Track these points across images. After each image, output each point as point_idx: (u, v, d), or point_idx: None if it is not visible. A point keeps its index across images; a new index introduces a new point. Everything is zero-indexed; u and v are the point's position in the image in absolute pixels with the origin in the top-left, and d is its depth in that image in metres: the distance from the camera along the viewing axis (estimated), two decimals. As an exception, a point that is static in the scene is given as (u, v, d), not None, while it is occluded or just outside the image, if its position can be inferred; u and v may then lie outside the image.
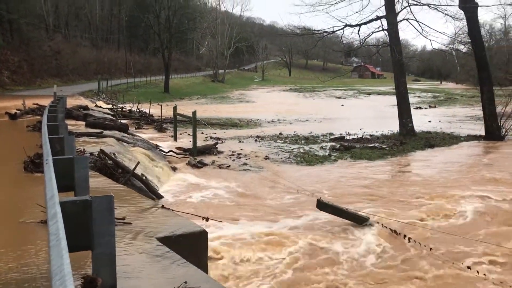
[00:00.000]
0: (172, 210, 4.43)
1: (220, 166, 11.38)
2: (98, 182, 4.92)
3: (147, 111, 23.12)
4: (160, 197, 7.53)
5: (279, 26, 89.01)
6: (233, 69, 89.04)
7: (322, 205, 6.91)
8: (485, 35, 64.48)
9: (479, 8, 17.43)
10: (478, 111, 20.89)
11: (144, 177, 7.51)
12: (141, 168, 7.90)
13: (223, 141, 15.43)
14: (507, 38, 77.12)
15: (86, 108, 15.87)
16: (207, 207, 7.56)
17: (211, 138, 16.09)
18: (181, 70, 65.49)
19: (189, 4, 65.36)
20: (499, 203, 8.16)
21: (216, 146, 13.63)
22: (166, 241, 3.30)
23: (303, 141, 15.98)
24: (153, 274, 2.64)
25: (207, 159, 11.97)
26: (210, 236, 4.94)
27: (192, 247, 3.49)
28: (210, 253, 4.62)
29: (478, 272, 5.24)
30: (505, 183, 9.65)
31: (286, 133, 18.02)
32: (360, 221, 6.74)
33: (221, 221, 6.58)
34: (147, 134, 16.44)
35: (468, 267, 5.36)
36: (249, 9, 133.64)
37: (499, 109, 17.19)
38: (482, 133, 17.35)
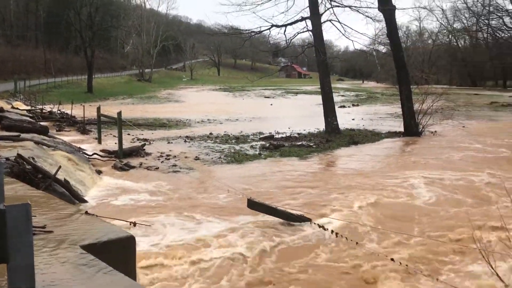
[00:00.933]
0: (97, 216, 4.23)
1: (148, 168, 11.10)
2: (15, 189, 4.59)
3: (69, 112, 22.04)
4: (84, 202, 7.21)
5: (206, 25, 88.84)
6: (161, 68, 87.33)
7: (253, 204, 6.94)
8: (402, 36, 68.45)
9: (396, 11, 18.44)
10: (397, 108, 22.07)
11: (66, 182, 7.14)
12: (63, 173, 7.50)
13: (151, 142, 15.07)
14: (422, 40, 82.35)
15: (1, 110, 14.81)
16: (135, 211, 7.33)
17: (138, 139, 15.66)
18: (106, 69, 63.13)
19: (113, 1, 63.15)
20: (424, 194, 8.70)
21: (144, 148, 13.27)
22: (91, 248, 3.14)
23: (233, 141, 16.01)
24: (76, 284, 2.50)
25: (134, 162, 11.63)
26: (138, 241, 4.80)
27: (119, 253, 3.35)
28: (138, 259, 4.48)
29: (400, 263, 5.51)
30: (427, 172, 10.29)
31: (216, 133, 17.97)
32: (291, 218, 6.85)
33: (149, 225, 6.42)
34: (69, 136, 15.68)
35: (392, 259, 5.61)
36: (175, 8, 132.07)
37: (416, 106, 18.28)
38: (402, 129, 18.39)
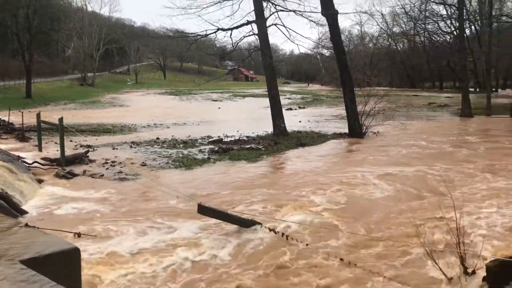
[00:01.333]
0: (38, 228, 4.03)
1: (92, 176, 10.72)
2: None
3: (6, 119, 20.92)
4: (24, 214, 6.85)
5: (151, 28, 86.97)
6: (104, 72, 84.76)
7: (203, 210, 6.85)
8: (345, 40, 70.31)
9: (339, 15, 18.91)
10: (341, 110, 22.65)
11: (4, 193, 6.75)
12: (0, 183, 7.10)
13: (95, 148, 14.57)
14: (363, 43, 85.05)
15: None
16: (79, 222, 7.03)
17: (81, 146, 15.10)
18: (46, 74, 60.31)
19: (52, 3, 60.59)
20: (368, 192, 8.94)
21: (87, 155, 12.81)
22: (32, 263, 2.97)
23: (181, 145, 15.80)
24: (16, 303, 2.36)
25: (78, 169, 11.20)
26: (83, 253, 4.61)
27: (63, 267, 3.20)
28: (84, 272, 4.30)
29: (349, 262, 5.62)
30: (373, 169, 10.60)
31: (163, 137, 17.66)
32: (242, 223, 6.82)
33: (95, 236, 6.19)
34: (7, 144, 14.88)
35: (341, 259, 5.72)
36: (118, 10, 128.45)
37: (360, 108, 18.86)
38: (346, 130, 18.90)
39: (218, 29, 18.18)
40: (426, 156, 13.64)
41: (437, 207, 6.95)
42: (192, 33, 19.64)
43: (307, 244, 6.18)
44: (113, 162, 12.28)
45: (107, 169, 11.53)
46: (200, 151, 14.55)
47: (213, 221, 6.94)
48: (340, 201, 8.48)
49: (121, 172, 11.18)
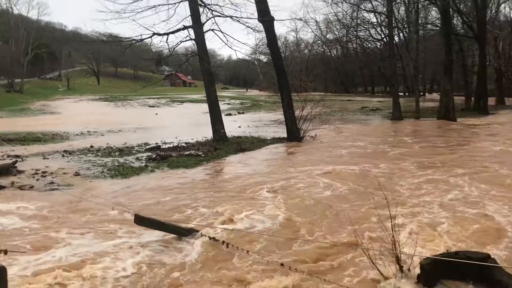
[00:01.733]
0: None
1: (21, 188, 10.09)
2: None
3: None
4: None
5: (83, 32, 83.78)
6: (33, 78, 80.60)
7: (140, 220, 6.62)
8: (281, 46, 71.56)
9: (275, 22, 19.18)
10: (280, 115, 22.95)
11: None
12: None
13: (24, 159, 13.75)
14: (299, 49, 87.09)
15: None
16: (6, 238, 6.57)
17: (8, 156, 14.19)
18: (-32, 80, 56.61)
19: (-26, 6, 56.96)
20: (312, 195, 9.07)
21: (15, 165, 12.05)
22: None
23: (117, 153, 15.28)
24: None
25: (5, 181, 10.50)
26: (10, 272, 4.29)
27: (-15, 290, 2.94)
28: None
29: (290, 267, 5.64)
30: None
31: (98, 145, 17.01)
32: (181, 232, 6.66)
33: (24, 252, 5.80)
34: None
35: (282, 264, 5.72)
36: (47, 13, 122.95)
37: (297, 113, 19.20)
38: (285, 135, 19.19)
39: (154, 34, 17.81)
40: (363, 155, 14.36)
41: (375, 206, 7.16)
42: (126, 38, 19.09)
43: (247, 251, 6.13)
44: (44, 172, 11.64)
45: (37, 180, 10.90)
46: (137, 159, 14.15)
47: (151, 231, 6.72)
48: (283, 203, 8.54)
49: (52, 183, 10.61)
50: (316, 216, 7.84)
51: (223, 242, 6.38)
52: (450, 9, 31.74)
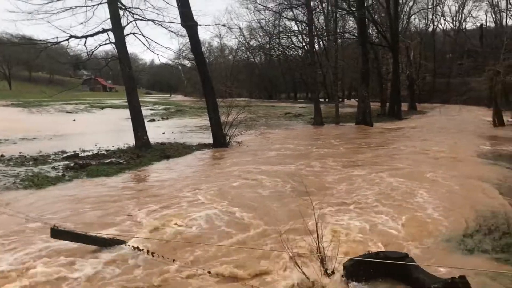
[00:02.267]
0: None
1: None
2: None
3: None
4: None
5: (-9, 33, 78.00)
6: None
7: (57, 233, 6.22)
8: (205, 51, 71.54)
9: (199, 27, 19.05)
10: (205, 121, 22.83)
11: None
12: None
13: None
14: (223, 55, 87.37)
15: None
16: None
17: None
18: None
19: None
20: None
21: None
22: None
23: (31, 162, 14.30)
24: None
25: None
26: None
27: None
28: None
29: (217, 274, 5.57)
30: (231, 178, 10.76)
31: (9, 154, 15.80)
32: (102, 243, 6.35)
33: None
34: None
35: (209, 272, 5.64)
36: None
37: (223, 118, 19.18)
38: (211, 141, 19.07)
39: (71, 37, 16.94)
40: (290, 157, 14.86)
41: (301, 209, 7.28)
42: (41, 40, 18.01)
43: (174, 260, 5.98)
44: None
45: None
46: (53, 168, 13.33)
47: (68, 244, 6.34)
48: (211, 209, 8.45)
49: (-45, 196, 9.69)
50: (244, 220, 7.84)
51: (148, 251, 6.18)
52: (366, 19, 33.44)
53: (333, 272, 5.19)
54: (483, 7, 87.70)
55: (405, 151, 16.48)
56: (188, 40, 19.88)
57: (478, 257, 6.19)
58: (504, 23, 54.35)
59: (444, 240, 6.90)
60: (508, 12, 52.25)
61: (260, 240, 6.92)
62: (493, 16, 60.89)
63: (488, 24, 60.21)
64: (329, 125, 29.72)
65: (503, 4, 69.10)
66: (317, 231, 5.35)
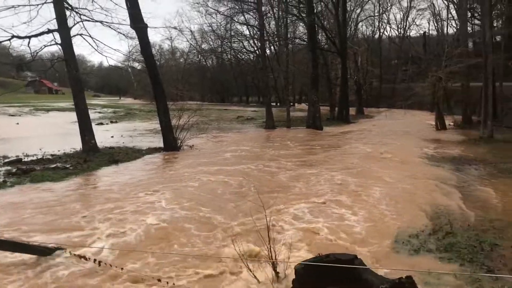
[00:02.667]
0: None
1: None
2: None
3: None
4: None
5: None
6: None
7: (-5, 243, 5.91)
8: (156, 54, 70.50)
9: (149, 29, 18.72)
10: (156, 124, 22.46)
11: None
12: None
13: None
14: (174, 58, 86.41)
15: None
16: None
17: None
18: None
19: None
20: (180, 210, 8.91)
21: None
22: None
23: (-32, 168, 13.54)
24: None
25: None
26: None
27: None
28: None
29: (167, 282, 5.48)
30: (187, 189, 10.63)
31: None
32: (42, 252, 6.08)
33: None
34: None
35: (159, 280, 5.53)
36: None
37: (174, 122, 18.93)
38: (162, 145, 18.76)
39: (13, 37, 16.17)
40: (243, 159, 14.86)
41: (254, 213, 7.28)
42: (-21, 39, 17.04)
43: (122, 268, 5.82)
44: None
45: None
46: (-6, 174, 12.68)
47: (7, 254, 6.04)
48: (161, 213, 8.31)
49: None
50: (197, 224, 7.76)
51: (95, 260, 5.98)
52: (316, 26, 34.10)
53: (285, 276, 5.23)
54: (426, 15, 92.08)
55: (353, 154, 16.91)
56: (138, 42, 19.51)
57: (424, 257, 6.44)
58: (445, 31, 57.20)
59: (391, 240, 7.12)
60: (448, 21, 55.03)
61: (212, 244, 6.87)
62: (435, 24, 64.04)
63: (430, 32, 63.15)
64: (281, 129, 30.01)
65: (444, 14, 72.73)
66: (268, 235, 5.37)
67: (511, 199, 9.86)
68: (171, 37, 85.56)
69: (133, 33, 19.17)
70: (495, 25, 35.23)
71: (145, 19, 18.36)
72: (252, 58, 56.28)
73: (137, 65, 40.16)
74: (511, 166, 13.81)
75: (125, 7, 18.16)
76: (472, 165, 14.30)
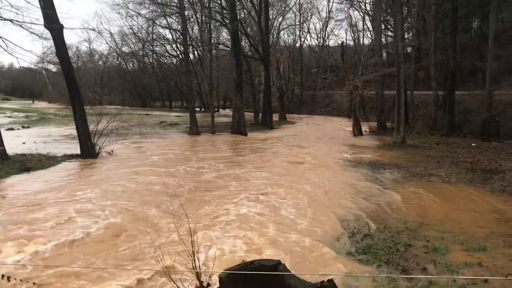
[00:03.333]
0: None
1: None
2: None
3: None
4: None
5: None
6: None
7: None
8: (73, 56, 67.21)
9: (65, 30, 17.79)
10: (72, 130, 21.38)
11: None
12: None
13: None
14: (93, 61, 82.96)
15: None
16: None
17: None
18: None
19: None
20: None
21: None
22: None
23: None
24: None
25: None
26: None
27: None
28: None
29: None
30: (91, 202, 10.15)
31: None
32: None
33: None
34: None
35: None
36: None
37: (92, 127, 18.08)
38: (79, 151, 17.83)
39: None
40: (164, 166, 14.34)
41: (176, 221, 7.12)
42: None
43: (34, 283, 5.41)
44: None
45: None
46: None
47: None
48: (78, 226, 7.85)
49: None
50: (118, 234, 7.43)
51: (3, 276, 5.50)
52: (239, 32, 34.40)
53: (208, 285, 5.13)
54: (344, 26, 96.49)
55: (275, 159, 17.20)
56: (53, 44, 18.43)
57: (344, 259, 6.65)
58: (361, 42, 60.24)
59: (313, 244, 7.28)
60: (364, 32, 58.02)
61: (134, 255, 6.60)
62: (352, 35, 67.22)
63: (348, 42, 66.11)
64: (205, 135, 29.84)
65: (360, 25, 76.67)
66: (192, 244, 5.25)
67: (423, 200, 10.53)
68: (89, 39, 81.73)
69: (47, 33, 18.09)
70: (406, 37, 37.71)
71: (60, 19, 17.41)
72: (175, 62, 55.54)
73: (52, 68, 38.02)
74: (421, 170, 14.77)
75: (39, 6, 17.10)
76: (386, 169, 15.10)
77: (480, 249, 6.88)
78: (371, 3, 41.37)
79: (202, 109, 61.27)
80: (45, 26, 17.41)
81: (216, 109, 55.97)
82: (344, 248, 7.09)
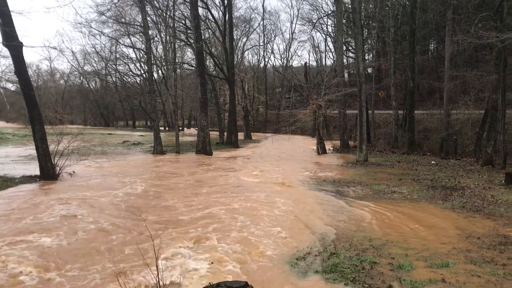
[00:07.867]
0: None
1: None
2: None
3: None
4: None
5: None
6: None
7: None
8: (33, 75, 65.65)
9: (25, 48, 17.36)
10: (32, 150, 20.70)
11: None
12: None
13: None
14: (54, 79, 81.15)
15: None
16: None
17: None
18: None
19: None
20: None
21: None
22: None
23: None
24: None
25: None
26: None
27: None
28: None
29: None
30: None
31: None
32: None
33: None
34: None
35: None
36: None
37: (52, 147, 17.57)
38: (38, 173, 17.26)
39: None
40: (128, 186, 13.87)
41: (140, 243, 6.96)
42: None
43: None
44: None
45: None
46: None
47: None
48: (35, 250, 7.52)
49: None
50: (78, 259, 7.16)
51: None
52: (204, 52, 34.49)
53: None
54: (307, 47, 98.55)
55: (240, 179, 17.14)
56: (12, 62, 17.93)
57: (312, 279, 6.65)
58: (323, 62, 61.58)
59: (280, 263, 7.26)
60: (326, 53, 59.40)
61: (95, 280, 6.39)
62: (315, 55, 68.69)
63: (311, 62, 67.54)
64: (170, 154, 29.51)
65: (322, 46, 78.41)
66: (157, 268, 5.15)
67: (387, 218, 10.72)
68: (50, 58, 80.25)
69: (6, 51, 17.63)
70: (367, 58, 38.82)
71: (20, 37, 17.03)
72: (139, 81, 55.02)
73: (10, 86, 36.94)
74: (384, 188, 15.09)
75: (-4, 22, 16.66)
76: (350, 187, 15.34)
77: (443, 265, 7.04)
78: (332, 25, 42.51)
79: (167, 128, 60.71)
80: (3, 44, 16.96)
81: (180, 128, 55.60)
82: (311, 267, 7.10)
